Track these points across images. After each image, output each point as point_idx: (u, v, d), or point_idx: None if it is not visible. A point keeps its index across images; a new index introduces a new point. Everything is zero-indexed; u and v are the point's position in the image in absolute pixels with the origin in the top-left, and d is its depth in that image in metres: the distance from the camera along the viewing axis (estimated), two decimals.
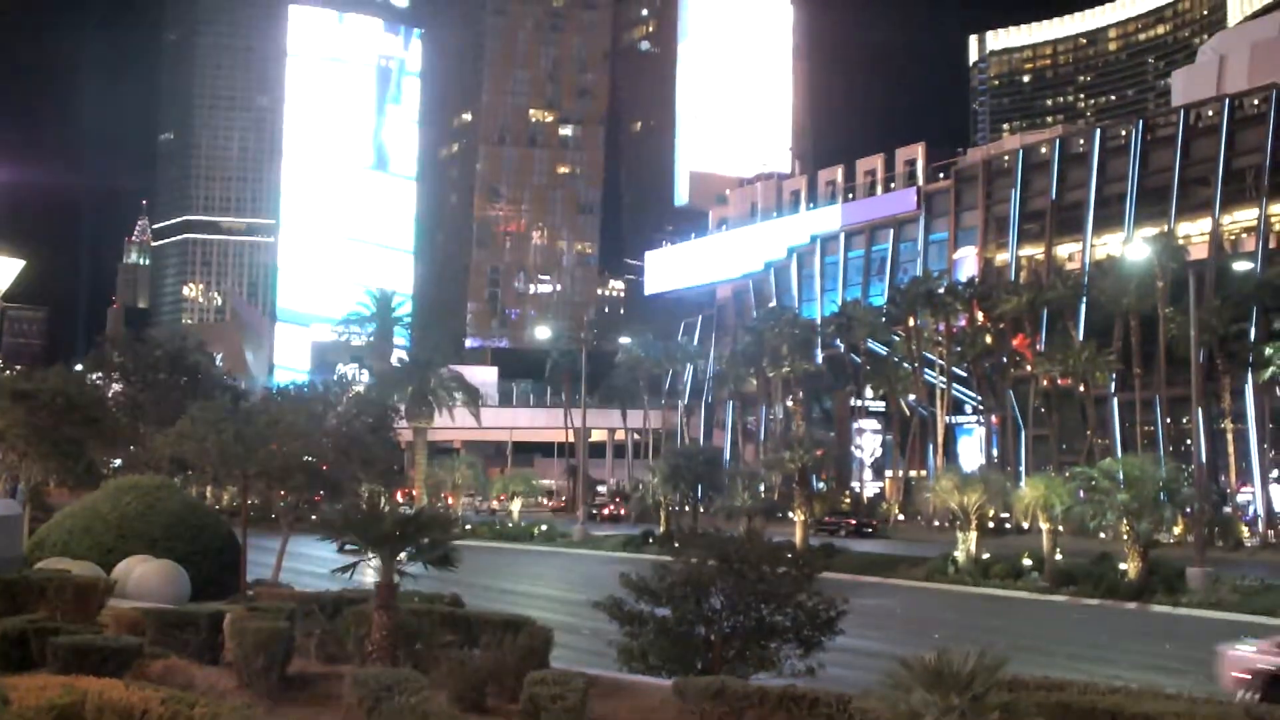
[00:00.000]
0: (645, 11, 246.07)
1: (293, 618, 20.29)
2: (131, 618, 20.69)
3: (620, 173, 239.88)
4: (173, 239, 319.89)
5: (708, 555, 22.80)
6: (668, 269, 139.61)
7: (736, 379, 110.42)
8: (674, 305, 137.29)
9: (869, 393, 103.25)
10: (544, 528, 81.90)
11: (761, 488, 77.23)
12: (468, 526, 76.30)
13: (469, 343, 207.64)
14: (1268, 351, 45.73)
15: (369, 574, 20.10)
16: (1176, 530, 59.38)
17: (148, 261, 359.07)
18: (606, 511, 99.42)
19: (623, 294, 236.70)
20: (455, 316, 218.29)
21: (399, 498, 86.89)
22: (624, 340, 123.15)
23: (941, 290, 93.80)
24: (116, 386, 75.56)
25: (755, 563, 22.38)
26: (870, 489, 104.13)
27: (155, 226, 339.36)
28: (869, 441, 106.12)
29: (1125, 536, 46.15)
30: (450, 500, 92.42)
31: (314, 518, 38.24)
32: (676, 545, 55.07)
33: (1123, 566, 46.38)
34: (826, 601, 21.82)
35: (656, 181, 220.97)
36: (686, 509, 71.71)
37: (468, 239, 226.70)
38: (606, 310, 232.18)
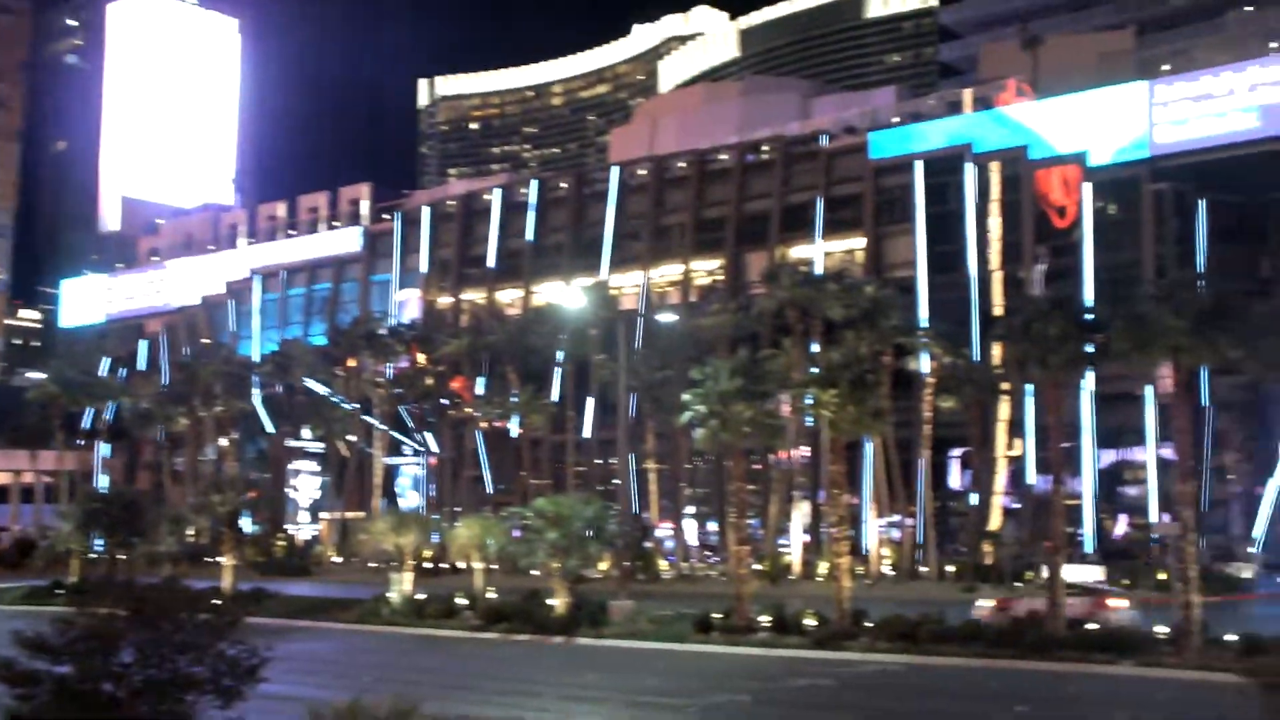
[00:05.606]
0: (72, 22, 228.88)
1: None
2: None
3: (40, 194, 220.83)
4: None
5: (119, 605, 21.24)
6: (91, 300, 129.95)
7: (166, 418, 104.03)
8: (98, 339, 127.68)
9: (307, 433, 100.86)
10: None
11: (191, 532, 73.41)
12: None
13: None
14: (686, 398, 48.86)
15: None
16: (603, 565, 62.12)
17: None
18: None
19: (40, 325, 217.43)
20: None
21: None
22: (35, 375, 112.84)
23: (383, 331, 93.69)
24: None
25: (173, 612, 20.94)
26: (310, 531, 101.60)
27: None
28: (307, 483, 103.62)
29: (555, 573, 47.48)
30: None
31: None
32: (87, 596, 50.43)
33: (552, 602, 47.66)
34: (249, 649, 20.48)
35: (83, 206, 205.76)
36: (105, 557, 66.28)
37: None
38: (18, 341, 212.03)
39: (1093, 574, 49.59)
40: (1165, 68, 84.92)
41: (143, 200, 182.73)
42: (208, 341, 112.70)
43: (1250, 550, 68.01)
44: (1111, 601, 43.52)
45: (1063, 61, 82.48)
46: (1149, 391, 68.82)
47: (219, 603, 31.15)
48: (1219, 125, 70.74)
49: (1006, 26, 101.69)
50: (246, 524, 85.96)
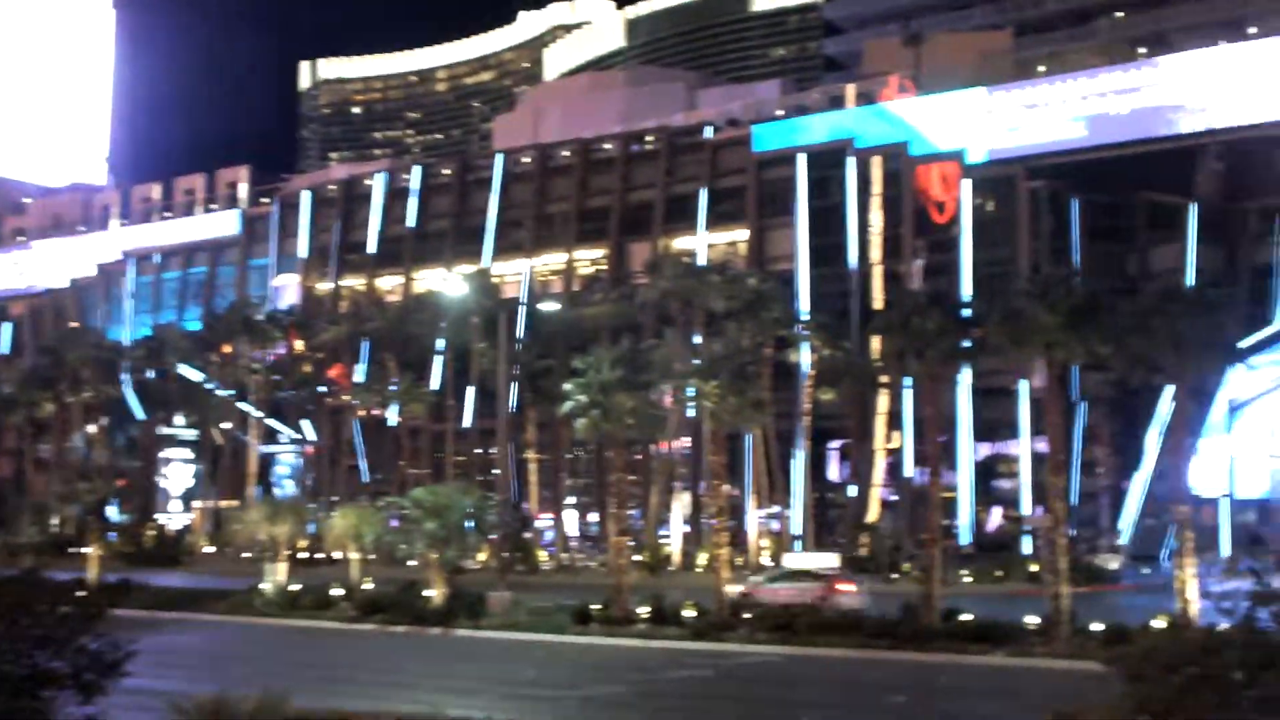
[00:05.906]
0: None
1: None
2: None
3: None
4: None
5: None
6: None
7: (30, 404, 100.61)
8: None
9: (180, 420, 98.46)
10: None
11: (55, 521, 71.35)
12: None
13: None
14: (567, 387, 48.65)
15: None
16: (482, 556, 61.66)
17: None
18: None
19: None
20: None
21: None
22: None
23: (260, 317, 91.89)
24: None
25: (32, 605, 20.25)
26: (182, 520, 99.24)
27: None
28: (179, 471, 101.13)
29: (433, 563, 46.95)
30: None
31: None
32: None
33: (429, 593, 47.13)
34: (113, 642, 19.79)
35: None
36: None
37: None
38: None
39: (827, 560, 51.08)
40: (1041, 69, 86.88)
41: (7, 178, 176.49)
42: (76, 325, 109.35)
43: (1117, 542, 69.95)
44: (841, 586, 44.69)
45: (944, 59, 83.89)
46: (1023, 386, 70.34)
47: (83, 595, 30.19)
48: (1050, 133, 73.14)
49: (889, 23, 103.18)
50: (115, 513, 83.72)
